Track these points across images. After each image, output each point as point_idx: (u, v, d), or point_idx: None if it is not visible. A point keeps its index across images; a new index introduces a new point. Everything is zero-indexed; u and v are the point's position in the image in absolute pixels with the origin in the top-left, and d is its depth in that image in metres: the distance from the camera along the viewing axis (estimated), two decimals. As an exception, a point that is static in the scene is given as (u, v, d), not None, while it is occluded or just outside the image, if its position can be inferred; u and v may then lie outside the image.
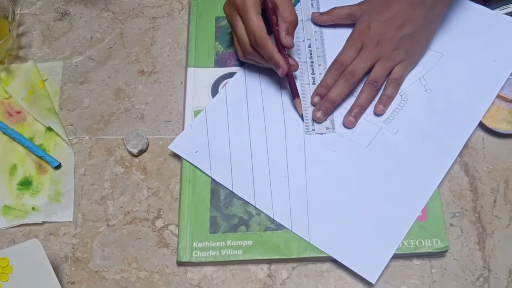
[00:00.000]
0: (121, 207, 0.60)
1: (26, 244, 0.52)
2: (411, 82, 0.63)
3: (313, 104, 0.62)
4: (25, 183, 0.61)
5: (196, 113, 0.63)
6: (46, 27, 0.72)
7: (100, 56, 0.69)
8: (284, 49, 0.61)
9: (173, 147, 0.61)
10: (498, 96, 0.62)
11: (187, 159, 0.60)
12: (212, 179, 0.59)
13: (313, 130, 0.61)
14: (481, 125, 0.61)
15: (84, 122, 0.65)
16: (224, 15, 0.63)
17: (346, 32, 0.65)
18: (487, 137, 0.62)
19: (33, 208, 0.60)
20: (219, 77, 0.66)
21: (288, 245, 0.56)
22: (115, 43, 0.70)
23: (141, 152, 0.62)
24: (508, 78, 0.62)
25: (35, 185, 0.61)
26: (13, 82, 0.67)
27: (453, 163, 0.59)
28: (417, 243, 0.55)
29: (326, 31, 0.67)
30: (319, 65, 0.65)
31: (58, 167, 0.62)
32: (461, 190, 0.59)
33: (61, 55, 0.69)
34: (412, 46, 0.62)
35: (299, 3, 0.69)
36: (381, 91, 0.63)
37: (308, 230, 0.56)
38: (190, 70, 0.66)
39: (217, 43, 0.68)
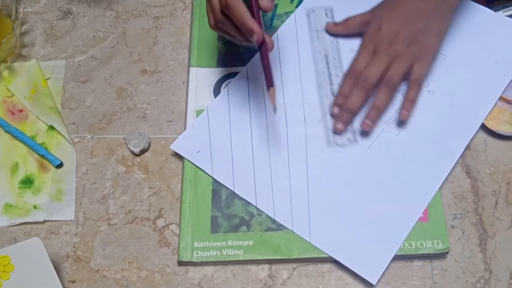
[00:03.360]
0: (123, 206, 0.60)
1: (27, 243, 0.52)
2: (413, 83, 0.63)
3: (333, 115, 0.61)
4: (27, 182, 0.61)
5: (198, 113, 0.63)
6: (49, 25, 0.72)
7: (102, 55, 0.69)
8: (260, 20, 0.54)
9: (175, 146, 0.61)
10: (501, 98, 0.62)
11: (189, 159, 0.60)
12: (214, 179, 0.59)
13: (335, 143, 0.60)
14: (483, 127, 0.61)
15: (86, 121, 0.65)
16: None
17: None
18: (489, 139, 0.62)
19: (34, 207, 0.60)
20: (222, 77, 0.66)
21: (289, 246, 0.56)
22: (117, 42, 0.70)
23: (143, 151, 0.62)
24: (510, 80, 0.62)
25: (37, 184, 0.61)
26: (15, 81, 0.67)
27: (455, 164, 0.59)
28: (418, 245, 0.55)
29: (342, 41, 0.66)
30: (337, 75, 0.64)
31: (60, 165, 0.62)
32: (462, 192, 0.59)
33: (64, 54, 0.70)
34: (427, 41, 0.60)
35: (302, 3, 0.69)
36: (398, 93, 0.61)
37: (309, 231, 0.56)
38: (193, 70, 0.66)
39: (220, 43, 0.68)
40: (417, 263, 0.56)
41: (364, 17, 0.64)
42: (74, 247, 0.58)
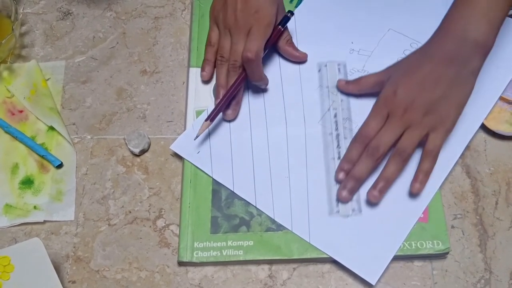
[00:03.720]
0: (123, 206, 0.60)
1: (28, 243, 0.52)
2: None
3: (337, 181, 0.58)
4: (27, 182, 0.61)
5: (198, 113, 0.63)
6: (49, 26, 0.72)
7: (102, 56, 0.69)
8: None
9: (175, 147, 0.61)
10: (501, 98, 0.62)
11: (189, 159, 0.60)
12: (214, 179, 0.59)
13: (338, 212, 0.57)
14: (483, 127, 0.61)
15: (86, 122, 0.65)
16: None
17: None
18: (489, 139, 0.62)
19: (34, 207, 0.60)
20: (221, 77, 0.66)
21: (289, 246, 0.56)
22: (117, 43, 0.70)
23: (143, 152, 0.62)
24: (510, 80, 0.62)
25: (37, 184, 0.61)
26: (15, 81, 0.67)
27: (455, 164, 0.59)
28: (418, 245, 0.55)
29: (354, 100, 0.62)
30: (345, 138, 0.60)
31: (59, 166, 0.62)
32: (462, 192, 0.59)
33: (64, 54, 0.70)
34: (445, 110, 0.56)
35: (301, 3, 0.69)
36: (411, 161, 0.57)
37: (309, 231, 0.56)
38: (192, 70, 0.66)
39: (219, 43, 0.68)
40: (417, 263, 0.56)
41: (379, 77, 0.60)
42: (74, 247, 0.58)
